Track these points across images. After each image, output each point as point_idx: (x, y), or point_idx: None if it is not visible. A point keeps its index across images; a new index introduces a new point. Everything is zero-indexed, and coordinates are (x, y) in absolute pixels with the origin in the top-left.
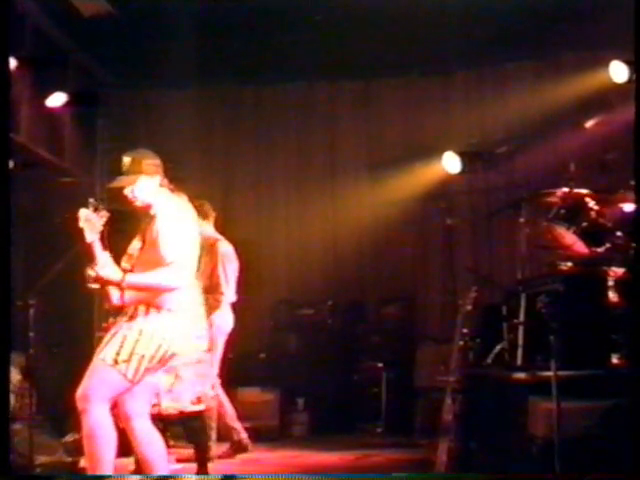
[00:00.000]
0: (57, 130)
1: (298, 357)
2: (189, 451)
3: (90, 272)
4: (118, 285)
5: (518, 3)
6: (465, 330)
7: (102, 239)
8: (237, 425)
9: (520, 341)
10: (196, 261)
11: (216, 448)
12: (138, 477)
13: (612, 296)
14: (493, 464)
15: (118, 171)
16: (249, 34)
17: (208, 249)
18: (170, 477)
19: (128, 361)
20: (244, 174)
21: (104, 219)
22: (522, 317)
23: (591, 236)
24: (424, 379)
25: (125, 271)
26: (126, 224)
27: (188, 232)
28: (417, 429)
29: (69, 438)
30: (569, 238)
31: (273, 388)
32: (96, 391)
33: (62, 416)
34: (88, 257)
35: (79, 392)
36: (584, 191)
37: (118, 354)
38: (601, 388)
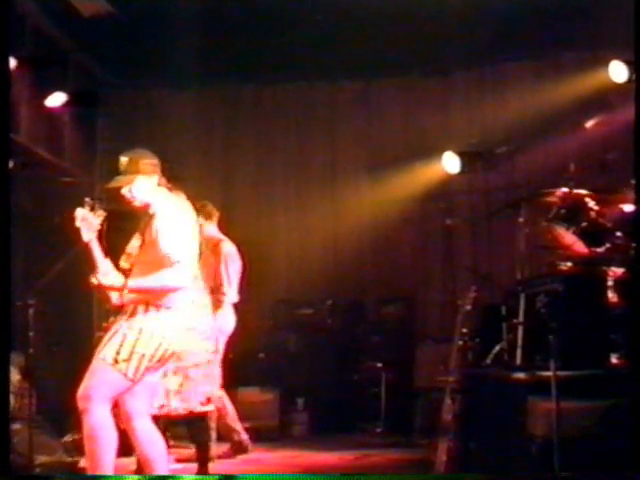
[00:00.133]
0: (57, 130)
1: (298, 357)
2: (189, 451)
3: (92, 280)
4: (120, 291)
5: (518, 3)
6: (464, 330)
7: (101, 241)
8: (238, 426)
9: (519, 341)
10: (197, 259)
11: (216, 448)
12: (137, 477)
13: (611, 296)
14: (492, 464)
15: (117, 171)
16: (249, 34)
17: (211, 249)
18: (170, 477)
19: (128, 360)
20: (244, 174)
21: (101, 218)
22: (521, 317)
23: (591, 236)
24: (424, 379)
25: (124, 271)
26: (125, 224)
27: (188, 231)
28: (416, 429)
29: (69, 438)
30: (569, 238)
31: (273, 388)
32: (97, 391)
33: (62, 416)
34: (87, 259)
35: (80, 392)
36: (584, 191)
37: (118, 353)
38: (600, 388)
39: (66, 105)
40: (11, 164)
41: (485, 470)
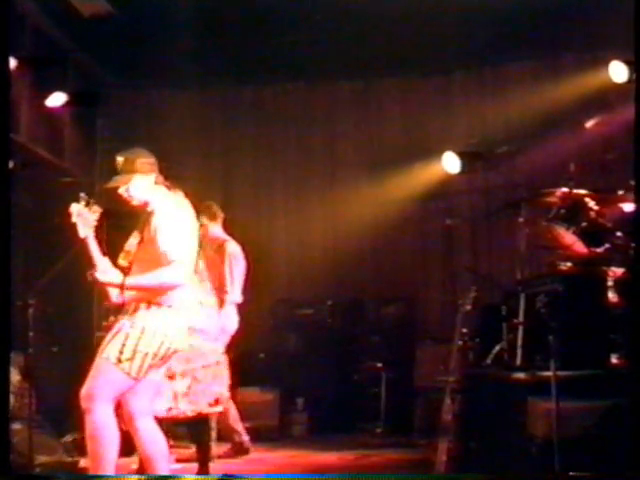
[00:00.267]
0: (57, 130)
1: (298, 357)
2: (189, 451)
3: (91, 278)
4: (120, 288)
5: (518, 4)
6: (464, 330)
7: (100, 240)
8: (240, 427)
9: (519, 341)
10: (195, 257)
11: (216, 448)
12: (138, 477)
13: (611, 296)
14: (492, 464)
15: (115, 171)
16: (249, 34)
17: (216, 250)
18: (170, 477)
19: (131, 359)
20: (244, 174)
21: (97, 214)
22: (521, 317)
23: (591, 236)
24: (424, 379)
25: (123, 269)
26: (124, 223)
27: (186, 228)
28: (416, 429)
29: (69, 438)
30: (569, 238)
31: (273, 388)
32: (101, 390)
33: (62, 416)
34: (85, 254)
35: (83, 392)
36: (584, 191)
37: (121, 352)
38: (600, 388)
39: (66, 105)
40: (11, 164)
41: (485, 470)
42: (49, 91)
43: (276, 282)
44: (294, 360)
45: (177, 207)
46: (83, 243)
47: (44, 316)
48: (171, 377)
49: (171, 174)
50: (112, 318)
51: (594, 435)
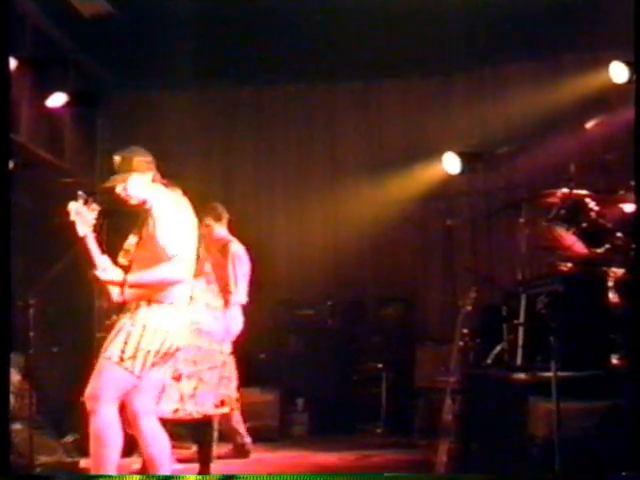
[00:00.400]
0: (57, 130)
1: (298, 357)
2: (190, 451)
3: (92, 277)
4: (120, 286)
5: (518, 4)
6: (465, 330)
7: (100, 239)
8: (242, 429)
9: (520, 341)
10: (195, 253)
11: (217, 449)
12: (139, 477)
13: (612, 297)
14: (493, 464)
15: (112, 170)
16: (249, 35)
17: (220, 250)
18: (172, 477)
19: (134, 357)
20: (244, 175)
21: (95, 212)
22: (522, 317)
23: (591, 237)
24: (424, 379)
25: (123, 268)
26: (124, 222)
27: (184, 225)
28: (417, 429)
29: (69, 438)
30: (569, 239)
31: (273, 388)
32: (105, 390)
33: (62, 416)
34: (84, 253)
35: (88, 392)
36: (584, 192)
37: (123, 352)
38: (601, 389)
39: (66, 106)
40: (11, 164)
41: (485, 471)
42: (49, 91)
43: (276, 283)
44: (294, 361)
45: (175, 204)
46: (82, 241)
47: (44, 316)
48: (177, 378)
49: (169, 172)
50: (114, 317)
51: (595, 436)
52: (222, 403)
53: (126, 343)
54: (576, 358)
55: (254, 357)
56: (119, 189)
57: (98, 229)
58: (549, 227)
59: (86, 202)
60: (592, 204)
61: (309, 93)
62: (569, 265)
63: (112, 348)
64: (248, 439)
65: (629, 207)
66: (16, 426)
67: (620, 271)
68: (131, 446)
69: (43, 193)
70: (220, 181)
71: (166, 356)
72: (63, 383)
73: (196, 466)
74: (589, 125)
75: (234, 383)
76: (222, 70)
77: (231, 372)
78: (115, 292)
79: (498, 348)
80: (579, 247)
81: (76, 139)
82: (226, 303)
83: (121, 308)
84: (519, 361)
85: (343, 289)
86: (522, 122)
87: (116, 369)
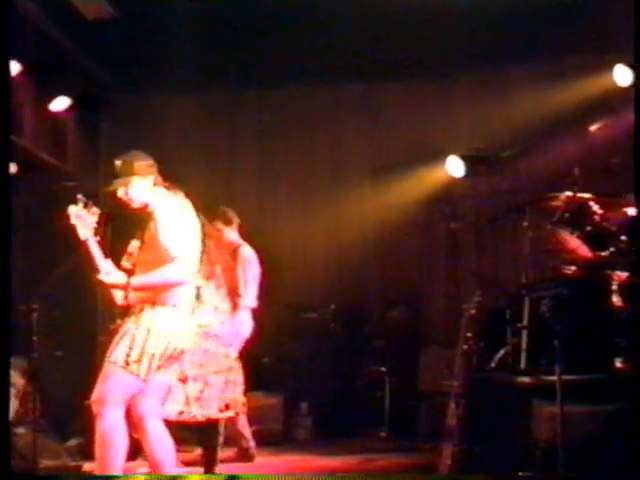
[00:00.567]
0: (60, 134)
1: (301, 361)
2: (193, 454)
3: (95, 280)
4: (124, 289)
5: (521, 6)
6: (469, 334)
7: (103, 243)
8: (247, 433)
9: (524, 345)
10: (199, 255)
11: (221, 452)
12: (144, 477)
13: (616, 300)
14: (497, 468)
15: (113, 175)
16: (252, 38)
17: (231, 254)
18: (176, 477)
19: (139, 361)
20: (247, 177)
21: (96, 216)
22: (526, 321)
23: (595, 240)
24: (428, 383)
25: (127, 271)
26: (127, 226)
27: (188, 227)
28: (421, 433)
29: (73, 442)
30: (573, 242)
31: (277, 392)
32: (111, 394)
33: (66, 420)
34: (86, 257)
35: (94, 396)
36: (588, 195)
37: (129, 355)
38: (605, 392)
39: (70, 109)
40: (15, 168)
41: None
42: (52, 95)
43: (280, 286)
44: (298, 364)
45: (177, 207)
46: (84, 245)
47: (48, 320)
48: (183, 381)
49: (171, 175)
50: (118, 321)
51: (599, 439)
52: (227, 407)
53: (131, 347)
54: (580, 361)
55: (258, 361)
56: (121, 193)
57: (100, 233)
58: (553, 230)
59: (86, 205)
60: (596, 207)
61: (312, 96)
62: (573, 268)
63: (117, 352)
64: (253, 443)
65: (633, 210)
66: (20, 430)
67: (624, 274)
68: (136, 450)
69: (46, 196)
70: (223, 184)
71: (171, 359)
72: (67, 387)
73: (200, 469)
74: (593, 128)
75: (240, 387)
76: (225, 73)
77: (237, 377)
78: (119, 296)
79: (502, 352)
80: (583, 250)
81: (79, 142)
82: (235, 307)
83: (125, 312)
84: (523, 365)
85: (347, 293)
86: (526, 125)
87: (122, 373)
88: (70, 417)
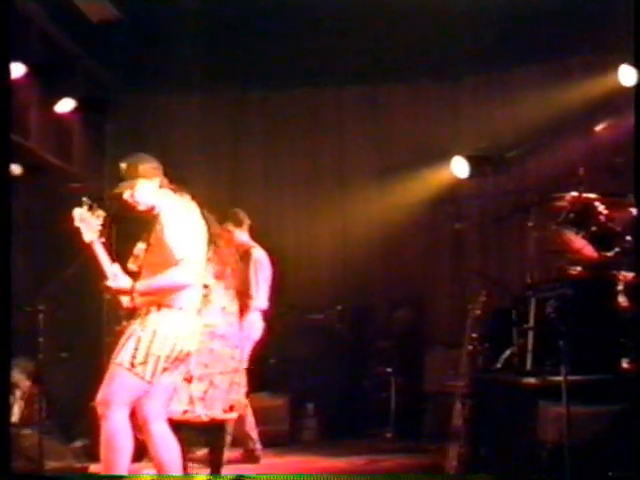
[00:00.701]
0: (66, 136)
1: (307, 362)
2: (199, 455)
3: (103, 287)
4: (130, 294)
5: (526, 7)
6: (474, 335)
7: (109, 246)
8: (254, 434)
9: (530, 346)
10: (205, 258)
11: (228, 453)
12: (150, 476)
13: (621, 300)
14: (503, 469)
15: (119, 178)
16: (256, 40)
17: (242, 255)
18: (183, 477)
19: (145, 363)
20: (252, 179)
21: (101, 219)
22: (532, 322)
23: (600, 240)
24: (433, 384)
25: (133, 274)
26: (133, 228)
27: (193, 229)
28: (426, 434)
29: (78, 444)
30: (578, 242)
31: (282, 393)
32: (116, 396)
33: (71, 422)
34: (92, 259)
35: (99, 398)
36: (593, 195)
37: (134, 357)
38: (611, 393)
39: (75, 111)
40: (20, 169)
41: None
42: (57, 97)
43: (286, 287)
44: (304, 365)
45: (183, 210)
46: (89, 248)
47: (54, 322)
48: (189, 380)
49: (176, 177)
50: (124, 323)
51: (605, 440)
52: (231, 408)
53: (137, 349)
54: (586, 362)
55: (264, 362)
56: (127, 195)
57: (106, 235)
58: (558, 231)
59: (91, 208)
60: (601, 207)
61: (317, 97)
62: (578, 269)
63: (123, 354)
64: (259, 445)
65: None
66: (25, 431)
67: (630, 275)
68: (141, 451)
69: (51, 197)
70: (228, 186)
71: (177, 361)
72: (72, 388)
73: (207, 470)
74: (598, 128)
75: (244, 389)
76: (229, 74)
77: (242, 379)
78: (125, 298)
79: (508, 352)
80: (588, 251)
81: (84, 144)
82: (246, 308)
83: (131, 314)
84: (529, 365)
85: (352, 294)
86: (531, 125)
87: (127, 375)
88: (76, 418)
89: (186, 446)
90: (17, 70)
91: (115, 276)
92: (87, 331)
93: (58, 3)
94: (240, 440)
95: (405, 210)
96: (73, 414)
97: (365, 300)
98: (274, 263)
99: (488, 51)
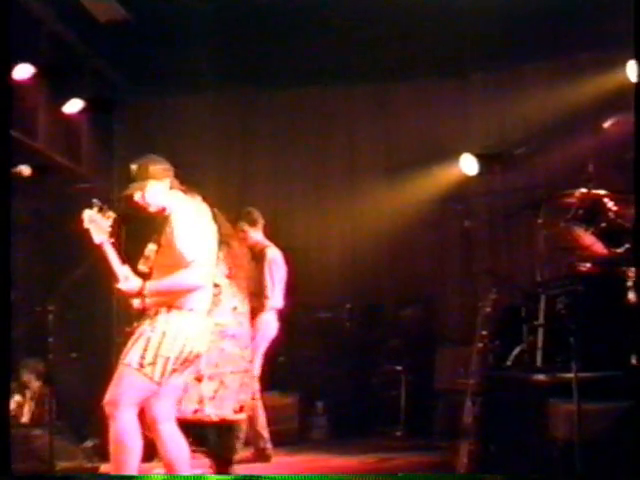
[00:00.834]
0: (74, 136)
1: (317, 361)
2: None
3: (114, 289)
4: (140, 295)
5: (534, 5)
6: (484, 332)
7: (119, 247)
8: (266, 434)
9: (540, 343)
10: (215, 259)
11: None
12: (161, 477)
13: (632, 296)
14: (513, 466)
15: (129, 179)
16: (265, 39)
17: (257, 255)
18: (193, 477)
19: (154, 364)
20: (261, 178)
21: (111, 220)
22: (542, 319)
23: (610, 236)
24: (444, 382)
25: (143, 275)
26: (144, 230)
27: (204, 231)
28: (437, 432)
29: (89, 443)
30: (588, 239)
31: (292, 392)
32: (124, 396)
33: (81, 422)
34: (103, 261)
35: (107, 398)
36: (602, 191)
37: (143, 358)
38: (622, 389)
39: (83, 111)
40: (29, 170)
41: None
42: (66, 97)
43: (295, 286)
44: (313, 364)
45: (194, 211)
46: (99, 249)
47: (64, 322)
48: (199, 379)
49: (186, 178)
50: (135, 324)
51: (615, 437)
52: (241, 409)
53: (146, 350)
54: (596, 359)
55: (273, 360)
56: (137, 197)
57: (116, 236)
58: (568, 227)
59: (101, 209)
60: (611, 204)
61: (326, 96)
62: (588, 265)
63: (132, 354)
64: (270, 444)
65: None
66: (36, 431)
67: None
68: (151, 451)
69: (61, 199)
70: (237, 185)
71: (186, 362)
72: (82, 388)
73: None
74: (607, 124)
75: (252, 390)
76: (239, 74)
77: (252, 379)
78: (136, 300)
79: (518, 349)
80: (598, 247)
81: (93, 144)
82: (261, 307)
83: (141, 314)
84: (539, 362)
85: (362, 292)
86: (539, 122)
87: (136, 375)
88: (86, 418)
89: (196, 446)
90: (25, 71)
91: (125, 277)
92: (97, 332)
93: (66, 4)
94: (251, 439)
95: (414, 208)
96: (83, 414)
97: (374, 298)
98: (289, 262)
99: (497, 48)
